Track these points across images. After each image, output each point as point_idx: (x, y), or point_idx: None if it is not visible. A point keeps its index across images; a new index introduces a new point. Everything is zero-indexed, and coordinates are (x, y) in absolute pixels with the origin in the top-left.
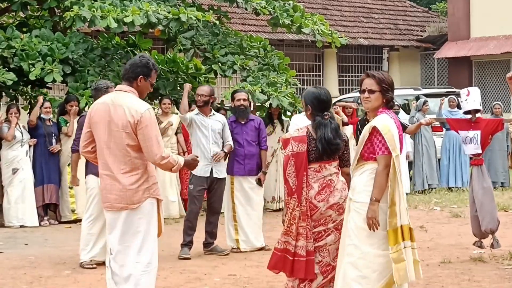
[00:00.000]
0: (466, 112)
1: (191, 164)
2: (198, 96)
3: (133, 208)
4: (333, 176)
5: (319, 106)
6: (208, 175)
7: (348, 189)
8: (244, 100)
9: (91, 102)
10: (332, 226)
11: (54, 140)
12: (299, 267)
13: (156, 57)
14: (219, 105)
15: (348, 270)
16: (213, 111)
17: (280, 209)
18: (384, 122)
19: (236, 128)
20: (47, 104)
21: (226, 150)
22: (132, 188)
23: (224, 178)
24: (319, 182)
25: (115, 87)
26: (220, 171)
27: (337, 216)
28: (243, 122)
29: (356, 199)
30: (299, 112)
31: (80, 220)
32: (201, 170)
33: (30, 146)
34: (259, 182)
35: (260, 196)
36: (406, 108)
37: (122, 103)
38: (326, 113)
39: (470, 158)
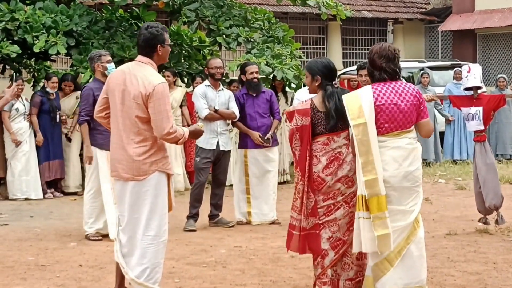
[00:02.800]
0: (467, 89)
1: (196, 133)
2: (217, 69)
3: (140, 180)
4: (342, 148)
5: (329, 75)
6: (214, 147)
7: None
8: (256, 72)
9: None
10: (341, 199)
11: (58, 116)
12: (294, 242)
13: None
14: (223, 78)
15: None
16: (221, 86)
17: (284, 182)
18: (353, 93)
19: (248, 101)
20: (54, 78)
21: (217, 108)
22: (139, 160)
23: (230, 151)
24: (328, 155)
25: (108, 55)
26: (226, 143)
27: (346, 189)
28: (254, 95)
29: None
30: (304, 85)
31: None
32: (207, 143)
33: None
34: (268, 141)
35: (275, 168)
36: (411, 81)
37: (137, 73)
38: (335, 82)
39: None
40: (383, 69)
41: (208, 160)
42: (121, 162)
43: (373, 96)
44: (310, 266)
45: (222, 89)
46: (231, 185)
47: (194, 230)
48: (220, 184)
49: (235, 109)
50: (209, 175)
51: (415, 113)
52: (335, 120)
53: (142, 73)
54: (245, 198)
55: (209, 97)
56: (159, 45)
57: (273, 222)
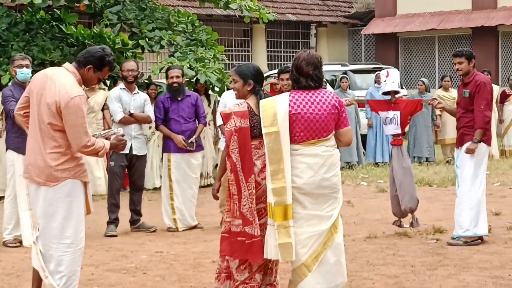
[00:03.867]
0: (385, 93)
1: (118, 145)
2: (129, 72)
3: (51, 186)
4: None
5: (260, 79)
6: (128, 151)
7: None
8: (177, 77)
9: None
10: None
11: None
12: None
13: (82, 31)
14: (146, 80)
15: None
16: (136, 89)
17: (207, 185)
18: (270, 100)
19: (172, 105)
20: None
21: (132, 112)
22: (51, 165)
23: (145, 155)
24: (261, 159)
25: (21, 60)
26: (140, 148)
27: None
28: (179, 99)
29: None
30: (227, 88)
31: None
32: None
33: None
34: (191, 145)
35: (197, 174)
36: (334, 84)
37: (57, 79)
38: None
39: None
40: (310, 77)
41: (122, 165)
42: (34, 166)
43: (289, 105)
44: None
45: (138, 92)
46: (155, 188)
47: (115, 235)
48: (138, 189)
49: (150, 112)
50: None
51: (333, 122)
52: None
53: (62, 81)
54: (170, 204)
55: (124, 100)
56: (90, 66)
57: (194, 227)
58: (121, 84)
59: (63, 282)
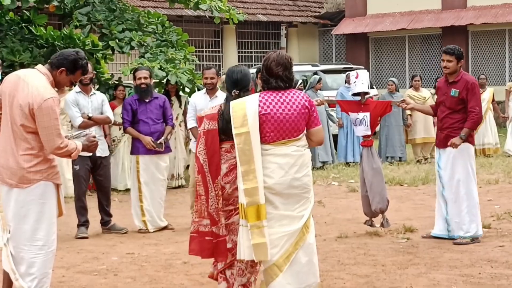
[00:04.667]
0: (355, 94)
1: (90, 147)
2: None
3: (23, 188)
4: None
5: (229, 82)
6: (91, 154)
7: None
8: (145, 78)
9: None
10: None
11: None
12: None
13: (52, 33)
14: (117, 82)
15: None
16: (93, 90)
17: (179, 186)
18: (240, 101)
19: (140, 107)
20: None
21: (91, 115)
22: (24, 167)
23: (108, 156)
24: (228, 163)
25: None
26: (103, 150)
27: None
28: (147, 101)
29: None
30: (198, 89)
31: None
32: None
33: None
34: (160, 145)
35: (164, 176)
36: (305, 84)
37: (30, 81)
38: (234, 90)
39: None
40: (279, 77)
41: (87, 167)
42: (6, 168)
43: (259, 105)
44: (202, 272)
45: (94, 93)
46: (127, 189)
47: (86, 237)
48: (106, 191)
49: (109, 113)
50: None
51: (304, 122)
52: (223, 126)
53: (35, 83)
54: (139, 206)
55: (81, 103)
56: (63, 69)
57: (165, 228)
58: (76, 87)
59: (34, 284)
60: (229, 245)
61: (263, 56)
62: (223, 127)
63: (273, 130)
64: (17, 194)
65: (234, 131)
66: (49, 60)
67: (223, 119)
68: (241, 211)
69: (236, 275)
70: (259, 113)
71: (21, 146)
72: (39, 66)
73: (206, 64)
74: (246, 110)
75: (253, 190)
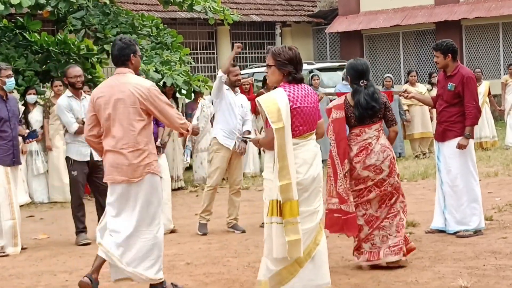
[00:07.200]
0: None
1: (194, 131)
2: (77, 78)
3: (134, 182)
4: (372, 139)
5: (355, 75)
6: (89, 158)
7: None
8: None
9: None
10: (371, 184)
11: None
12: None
13: (46, 38)
14: None
15: (264, 248)
16: (83, 94)
17: (178, 188)
18: (269, 96)
19: None
20: None
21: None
22: (134, 163)
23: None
24: (358, 145)
25: (9, 70)
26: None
27: (374, 175)
28: None
29: (263, 175)
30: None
31: None
32: (80, 154)
33: None
34: (158, 149)
35: (167, 176)
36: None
37: (126, 82)
38: (362, 80)
39: None
40: (299, 71)
41: (85, 172)
42: (116, 166)
43: (289, 99)
44: (206, 272)
45: (85, 97)
46: None
47: (89, 243)
48: (105, 193)
49: None
50: None
51: (318, 114)
52: (356, 115)
53: (130, 81)
54: None
55: (75, 108)
56: (131, 54)
57: (171, 231)
58: (68, 92)
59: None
60: (362, 220)
61: (258, 56)
62: (359, 115)
63: (302, 124)
64: (127, 188)
65: (273, 126)
66: (118, 63)
67: (359, 107)
68: (275, 207)
69: (380, 243)
70: (290, 107)
71: (129, 144)
72: (118, 69)
73: (201, 66)
74: (279, 104)
75: (287, 187)
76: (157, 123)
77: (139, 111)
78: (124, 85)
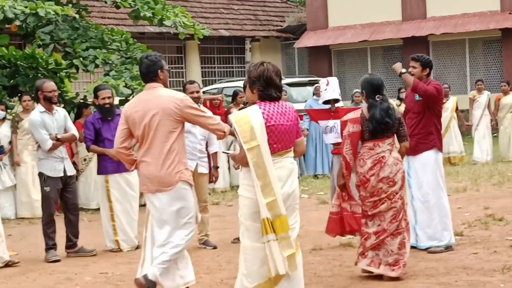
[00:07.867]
0: (325, 102)
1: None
2: (54, 92)
3: (167, 191)
4: (385, 152)
5: (371, 89)
6: (62, 174)
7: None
8: (109, 98)
9: None
10: (384, 196)
11: None
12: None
13: (14, 53)
14: (82, 100)
15: (239, 265)
16: (55, 107)
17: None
18: (242, 114)
19: (103, 125)
20: None
21: (59, 137)
22: (167, 172)
23: (74, 175)
24: (372, 158)
25: None
26: (71, 168)
27: (387, 188)
28: (109, 118)
29: (238, 192)
30: None
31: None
32: (54, 170)
33: None
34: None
35: (137, 191)
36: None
37: (160, 95)
38: (378, 95)
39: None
40: (278, 88)
41: (58, 188)
42: (149, 176)
43: (263, 117)
44: None
45: (57, 111)
46: (96, 209)
47: (59, 260)
48: (75, 209)
49: (73, 129)
50: None
51: (295, 132)
52: (370, 129)
53: (162, 94)
54: (111, 225)
55: (48, 124)
56: (159, 70)
57: (136, 248)
58: (40, 107)
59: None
60: (373, 229)
61: (226, 71)
62: (373, 129)
63: (276, 142)
64: (160, 197)
65: (245, 146)
66: (147, 80)
67: (374, 121)
68: (268, 225)
69: (383, 255)
70: (265, 125)
71: (163, 154)
72: (149, 84)
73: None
74: (252, 123)
75: (273, 203)
76: None
77: (174, 122)
78: (158, 98)
